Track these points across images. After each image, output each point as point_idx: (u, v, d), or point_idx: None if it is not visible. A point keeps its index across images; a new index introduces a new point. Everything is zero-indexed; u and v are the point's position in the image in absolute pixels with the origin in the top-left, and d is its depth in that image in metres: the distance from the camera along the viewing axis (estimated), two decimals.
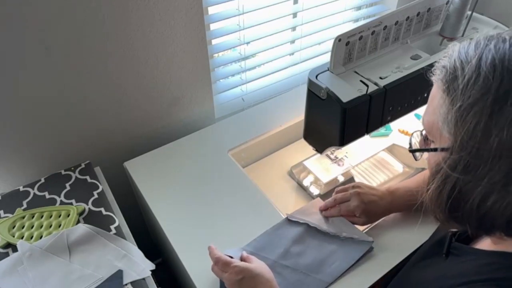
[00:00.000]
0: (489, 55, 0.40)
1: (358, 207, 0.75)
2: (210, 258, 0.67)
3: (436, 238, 0.60)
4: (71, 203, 0.80)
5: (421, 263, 0.60)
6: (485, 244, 0.51)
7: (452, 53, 0.44)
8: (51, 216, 0.77)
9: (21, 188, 0.83)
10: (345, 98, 0.69)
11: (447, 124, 0.42)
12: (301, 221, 0.78)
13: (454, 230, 0.54)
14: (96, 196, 0.82)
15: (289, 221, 0.79)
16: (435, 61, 0.47)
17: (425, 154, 0.52)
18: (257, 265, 0.64)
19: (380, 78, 0.74)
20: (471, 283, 0.44)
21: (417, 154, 0.53)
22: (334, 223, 0.79)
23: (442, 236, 0.57)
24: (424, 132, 0.51)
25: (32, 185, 0.83)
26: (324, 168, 0.96)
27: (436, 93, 0.44)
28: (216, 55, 1.04)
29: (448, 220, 0.46)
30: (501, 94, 0.38)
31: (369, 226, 0.81)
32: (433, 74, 0.46)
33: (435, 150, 0.46)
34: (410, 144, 0.54)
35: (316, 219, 0.79)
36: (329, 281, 0.70)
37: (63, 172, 0.87)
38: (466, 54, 0.42)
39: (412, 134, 0.54)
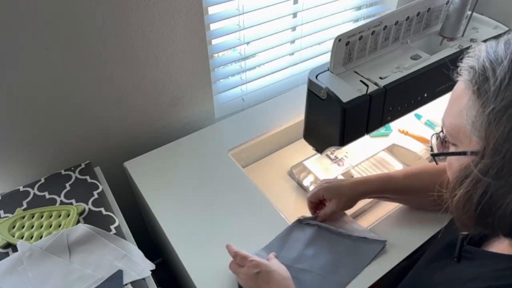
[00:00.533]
0: None
1: (322, 187, 0.78)
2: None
3: (446, 241, 0.58)
4: (71, 203, 0.80)
5: (431, 266, 0.58)
6: (501, 247, 0.49)
7: (480, 53, 0.42)
8: (51, 216, 0.77)
9: (21, 188, 0.83)
10: (345, 98, 0.69)
11: (476, 128, 0.40)
12: (312, 223, 0.78)
13: (465, 233, 0.52)
14: (96, 196, 0.82)
15: (300, 223, 0.79)
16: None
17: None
18: (274, 262, 0.68)
19: (380, 78, 0.74)
20: (482, 283, 0.43)
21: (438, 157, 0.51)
22: (346, 224, 0.79)
23: (453, 238, 0.55)
24: (442, 135, 0.49)
25: (32, 185, 0.83)
26: (324, 168, 0.96)
27: (463, 95, 0.43)
28: (216, 55, 1.04)
29: (476, 226, 0.44)
30: None
31: (371, 224, 0.81)
32: (460, 74, 0.44)
33: (464, 153, 0.44)
34: (432, 147, 0.52)
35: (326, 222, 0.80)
36: (347, 282, 0.70)
37: (63, 172, 0.87)
38: (496, 54, 0.40)
39: (432, 136, 0.52)
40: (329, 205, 0.78)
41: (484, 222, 0.43)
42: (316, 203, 0.81)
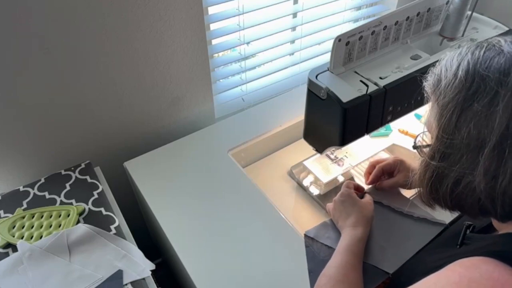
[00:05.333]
0: (465, 61, 0.47)
1: (399, 160, 0.84)
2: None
3: (455, 231, 0.63)
4: (71, 203, 0.80)
5: (435, 251, 0.64)
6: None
7: (441, 61, 0.51)
8: (51, 216, 0.77)
9: (21, 188, 0.83)
10: (345, 98, 0.69)
11: (434, 121, 0.50)
12: (375, 200, 0.82)
13: (469, 222, 0.58)
14: (96, 196, 0.82)
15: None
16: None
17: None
18: (367, 198, 0.78)
19: (380, 78, 0.74)
20: (470, 255, 0.47)
21: (420, 151, 0.58)
22: (406, 205, 0.82)
23: (459, 229, 0.59)
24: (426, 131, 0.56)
25: (32, 185, 0.83)
26: (324, 168, 0.96)
27: (430, 95, 0.52)
28: (216, 55, 1.04)
29: (429, 201, 0.54)
30: (470, 94, 0.45)
31: None
32: (426, 80, 0.53)
33: (428, 146, 0.53)
34: (415, 142, 0.59)
35: (388, 200, 0.83)
36: (407, 257, 0.72)
37: (63, 172, 0.87)
38: (451, 62, 0.49)
39: (419, 134, 0.59)
40: (396, 177, 0.84)
41: (434, 198, 0.52)
42: (380, 174, 0.86)
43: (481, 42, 0.48)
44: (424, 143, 0.56)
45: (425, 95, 0.53)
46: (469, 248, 0.53)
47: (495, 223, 0.53)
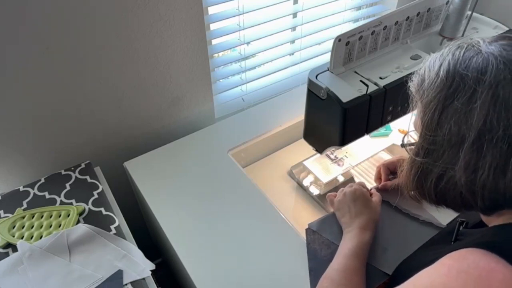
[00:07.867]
0: (446, 61, 0.49)
1: (401, 158, 0.85)
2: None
3: (449, 229, 0.64)
4: (71, 203, 0.80)
5: (429, 248, 0.65)
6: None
7: (425, 62, 0.53)
8: (51, 216, 0.77)
9: (21, 188, 0.83)
10: (345, 98, 0.69)
11: (418, 120, 0.52)
12: (383, 200, 0.81)
13: (462, 219, 0.59)
14: (96, 196, 0.82)
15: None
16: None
17: None
18: (377, 199, 0.77)
19: (380, 78, 0.74)
20: (460, 248, 0.47)
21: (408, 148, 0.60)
22: (412, 207, 0.82)
23: (454, 226, 0.60)
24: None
25: (32, 185, 0.83)
26: (324, 168, 0.96)
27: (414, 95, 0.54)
28: (216, 55, 1.04)
29: (416, 196, 0.56)
30: (451, 92, 0.47)
31: None
32: (411, 81, 0.55)
33: (413, 144, 0.55)
34: (403, 140, 0.61)
35: (395, 201, 0.83)
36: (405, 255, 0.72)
37: (63, 172, 0.87)
38: (434, 62, 0.51)
39: (407, 133, 0.61)
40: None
41: (419, 192, 0.54)
42: (386, 174, 0.86)
43: (461, 43, 0.50)
44: (412, 141, 0.57)
45: (410, 95, 0.55)
46: (461, 243, 0.54)
47: (483, 217, 0.54)
